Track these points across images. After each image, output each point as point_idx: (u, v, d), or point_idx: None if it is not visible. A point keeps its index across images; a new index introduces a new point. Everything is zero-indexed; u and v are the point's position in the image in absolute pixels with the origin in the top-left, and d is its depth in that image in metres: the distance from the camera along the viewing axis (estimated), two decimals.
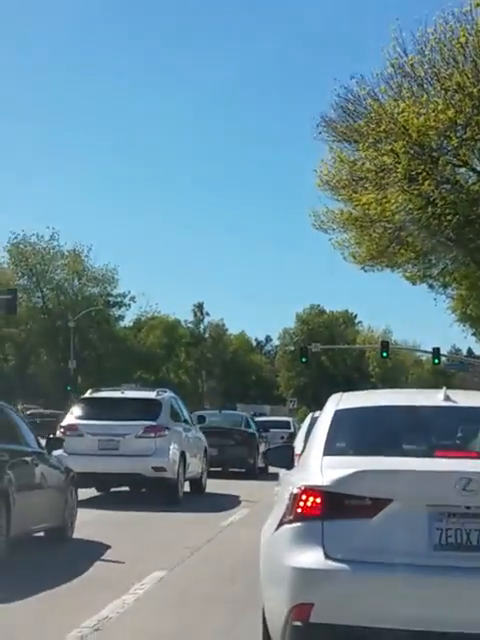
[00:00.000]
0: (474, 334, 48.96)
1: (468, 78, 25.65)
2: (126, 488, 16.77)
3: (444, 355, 60.29)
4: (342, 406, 5.61)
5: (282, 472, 6.76)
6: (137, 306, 75.30)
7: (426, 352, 64.73)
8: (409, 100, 26.54)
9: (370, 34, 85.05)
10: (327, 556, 4.59)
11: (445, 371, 77.95)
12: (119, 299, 71.86)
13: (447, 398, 5.57)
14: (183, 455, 16.31)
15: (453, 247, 30.59)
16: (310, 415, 13.21)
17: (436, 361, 51.52)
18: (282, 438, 29.27)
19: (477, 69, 25.71)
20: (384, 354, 50.95)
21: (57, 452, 15.06)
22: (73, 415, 16.47)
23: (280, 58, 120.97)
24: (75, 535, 11.09)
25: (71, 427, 16.06)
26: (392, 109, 26.77)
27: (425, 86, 26.84)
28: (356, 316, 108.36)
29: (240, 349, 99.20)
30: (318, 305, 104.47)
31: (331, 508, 4.65)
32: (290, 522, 4.79)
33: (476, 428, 5.59)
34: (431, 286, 35.01)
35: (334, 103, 28.29)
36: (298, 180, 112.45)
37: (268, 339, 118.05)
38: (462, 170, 29.08)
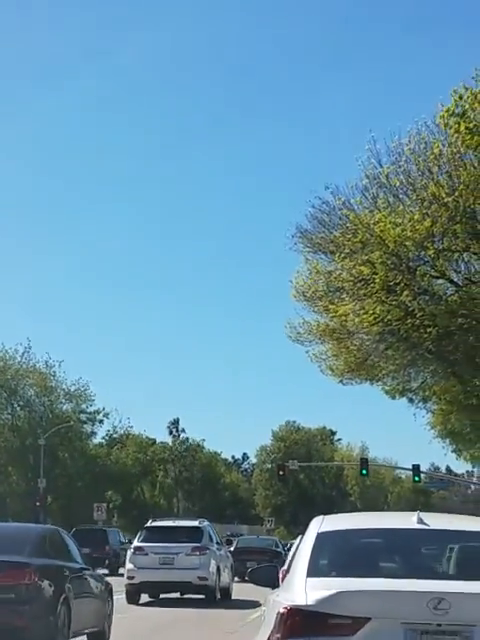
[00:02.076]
0: (454, 451, 48.01)
1: (443, 189, 25.32)
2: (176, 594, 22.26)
3: (424, 472, 59.08)
4: (324, 529, 5.88)
5: (268, 592, 7.03)
6: (110, 422, 73.55)
7: (406, 469, 63.46)
8: (385, 210, 26.22)
9: (344, 145, 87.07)
10: None
11: (425, 489, 76.53)
12: (92, 416, 70.19)
13: (420, 521, 5.87)
14: (219, 568, 21.69)
15: (432, 360, 29.97)
16: (299, 537, 12.77)
17: (416, 479, 50.43)
18: None
19: (452, 180, 25.45)
20: (363, 472, 49.86)
21: (129, 566, 21.30)
22: (139, 539, 22.29)
23: (255, 170, 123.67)
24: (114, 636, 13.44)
25: (139, 548, 21.74)
26: (368, 219, 26.41)
27: (400, 196, 26.59)
28: (334, 433, 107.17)
29: (208, 467, 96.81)
30: (294, 421, 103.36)
31: (315, 627, 4.95)
32: None
33: (445, 550, 5.93)
34: (411, 400, 34.35)
35: (309, 214, 28.03)
36: (273, 292, 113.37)
37: (245, 457, 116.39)
38: (440, 281, 28.64)
